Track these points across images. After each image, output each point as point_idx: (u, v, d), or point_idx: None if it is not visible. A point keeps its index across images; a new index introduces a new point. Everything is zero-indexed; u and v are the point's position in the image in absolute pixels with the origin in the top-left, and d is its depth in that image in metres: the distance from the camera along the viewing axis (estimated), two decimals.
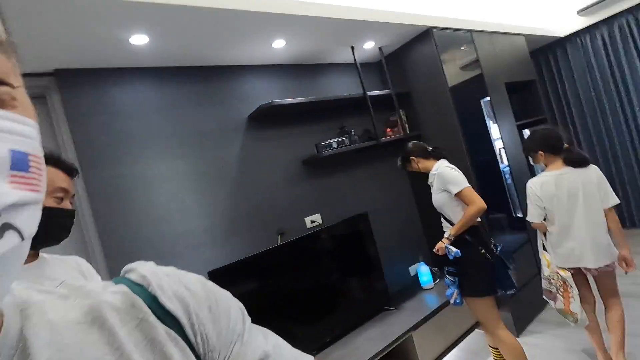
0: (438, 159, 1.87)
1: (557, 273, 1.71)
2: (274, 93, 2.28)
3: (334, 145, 2.23)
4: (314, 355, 0.42)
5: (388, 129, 2.68)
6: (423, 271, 2.47)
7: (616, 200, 1.70)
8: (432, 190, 1.87)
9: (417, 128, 2.69)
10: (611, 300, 1.78)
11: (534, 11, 3.51)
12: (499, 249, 1.75)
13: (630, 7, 3.31)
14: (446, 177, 1.77)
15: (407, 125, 2.67)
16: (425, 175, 1.93)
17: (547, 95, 3.99)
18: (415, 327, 2.01)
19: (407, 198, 2.82)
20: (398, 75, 2.70)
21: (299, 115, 2.34)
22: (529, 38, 3.34)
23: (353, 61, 2.46)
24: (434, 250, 1.80)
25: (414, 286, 2.55)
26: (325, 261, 2.14)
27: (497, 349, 1.87)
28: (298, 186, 2.25)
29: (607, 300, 1.79)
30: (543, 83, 3.98)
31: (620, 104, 3.52)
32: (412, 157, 1.90)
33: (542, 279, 1.83)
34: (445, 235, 1.76)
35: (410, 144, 1.94)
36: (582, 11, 3.46)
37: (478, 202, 1.68)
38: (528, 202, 1.82)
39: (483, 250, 1.71)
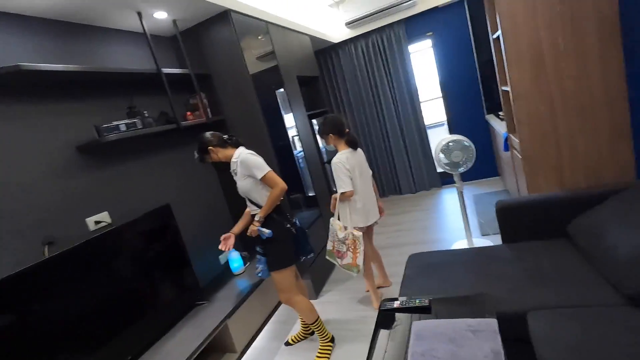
0: (236, 146, 1.96)
1: (352, 233, 2.08)
2: (27, 54, 1.67)
3: (122, 128, 1.86)
4: None
5: (189, 113, 2.47)
6: (234, 257, 2.46)
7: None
8: (235, 178, 1.93)
9: (219, 112, 2.61)
10: (373, 244, 2.47)
11: (316, 17, 4.02)
12: (297, 222, 2.02)
13: (378, 28, 4.31)
14: (250, 163, 1.85)
15: (209, 110, 2.54)
16: (227, 164, 1.97)
17: (326, 90, 4.71)
18: (229, 315, 1.99)
19: (213, 186, 2.72)
20: (197, 54, 2.51)
21: (70, 88, 1.81)
22: (313, 39, 3.81)
23: (142, 30, 2.10)
24: (247, 234, 1.90)
25: (225, 275, 2.51)
26: (119, 267, 1.78)
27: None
28: (72, 179, 1.76)
29: (372, 245, 2.46)
30: (324, 79, 4.68)
31: (375, 100, 4.58)
32: (210, 148, 1.89)
33: (331, 242, 2.22)
34: (256, 218, 1.86)
35: (206, 135, 1.93)
36: (349, 24, 4.23)
37: (280, 184, 1.85)
38: (338, 176, 2.13)
39: (288, 225, 1.93)
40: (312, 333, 2.27)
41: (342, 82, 4.65)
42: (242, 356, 2.04)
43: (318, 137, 2.45)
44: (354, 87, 4.62)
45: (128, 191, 2.03)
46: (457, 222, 3.45)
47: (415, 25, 4.30)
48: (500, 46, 2.24)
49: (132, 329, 1.75)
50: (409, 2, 3.97)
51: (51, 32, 1.81)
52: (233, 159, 1.91)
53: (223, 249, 1.99)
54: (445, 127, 4.75)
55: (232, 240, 2.01)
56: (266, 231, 1.86)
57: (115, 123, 1.83)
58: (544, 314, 1.34)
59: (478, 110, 4.29)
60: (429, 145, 4.56)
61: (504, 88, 2.56)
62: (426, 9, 4.13)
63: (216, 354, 2.04)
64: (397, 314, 1.52)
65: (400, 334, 1.63)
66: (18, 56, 1.64)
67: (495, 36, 2.48)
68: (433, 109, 4.80)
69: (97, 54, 2.02)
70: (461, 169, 2.51)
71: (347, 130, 2.22)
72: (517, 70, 2.16)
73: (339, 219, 2.19)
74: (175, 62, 2.56)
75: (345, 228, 2.14)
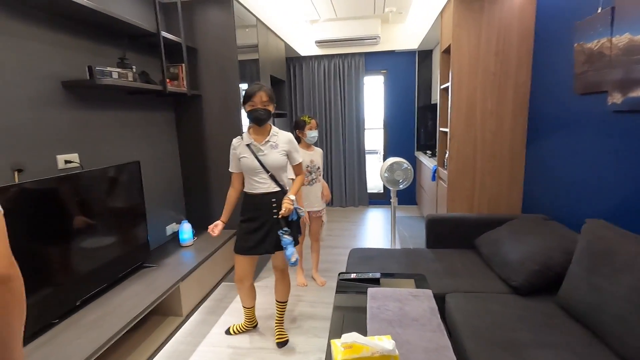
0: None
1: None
2: None
3: (115, 75, 1.86)
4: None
5: (168, 80, 2.49)
6: (185, 229, 2.49)
7: None
8: (266, 151, 1.87)
9: (196, 87, 2.67)
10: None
11: (292, 27, 4.31)
12: None
13: (342, 54, 4.79)
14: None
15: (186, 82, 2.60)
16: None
17: (289, 95, 4.97)
18: (183, 278, 2.04)
19: (173, 156, 2.73)
20: (189, 27, 2.58)
21: (67, 20, 1.76)
22: (287, 46, 4.08)
23: None
24: (282, 214, 1.82)
25: (171, 245, 2.51)
26: (81, 210, 1.74)
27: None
28: (51, 114, 1.69)
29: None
30: (289, 85, 4.95)
31: (326, 116, 4.98)
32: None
33: None
34: (291, 197, 1.85)
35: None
36: (318, 42, 4.62)
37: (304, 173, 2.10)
38: None
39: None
40: (255, 326, 2.26)
41: (301, 92, 4.98)
42: (186, 321, 2.09)
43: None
44: (310, 99, 4.97)
45: (101, 139, 1.99)
46: (380, 235, 3.95)
47: (374, 61, 4.90)
48: (448, 95, 2.82)
49: (82, 274, 1.71)
50: (372, 40, 4.54)
51: None
52: (273, 132, 1.92)
53: (214, 234, 1.95)
54: (377, 155, 5.39)
55: (220, 227, 1.98)
56: (301, 209, 1.92)
57: (109, 69, 1.83)
58: (457, 296, 1.78)
59: (410, 145, 5.00)
60: (365, 167, 5.10)
61: (442, 129, 3.16)
62: (385, 50, 4.76)
63: (160, 316, 2.05)
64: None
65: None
66: None
67: (444, 86, 3.09)
68: (371, 137, 5.41)
69: None
70: (401, 186, 2.99)
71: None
72: (456, 116, 2.75)
73: None
74: (164, 28, 2.57)
75: None
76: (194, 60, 2.63)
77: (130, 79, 1.97)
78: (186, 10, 2.54)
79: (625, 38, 1.60)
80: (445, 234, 2.45)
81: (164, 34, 2.21)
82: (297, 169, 2.02)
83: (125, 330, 1.57)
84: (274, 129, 1.94)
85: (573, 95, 2.04)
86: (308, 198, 2.66)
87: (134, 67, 2.06)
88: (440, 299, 1.76)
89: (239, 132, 2.69)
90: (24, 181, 1.46)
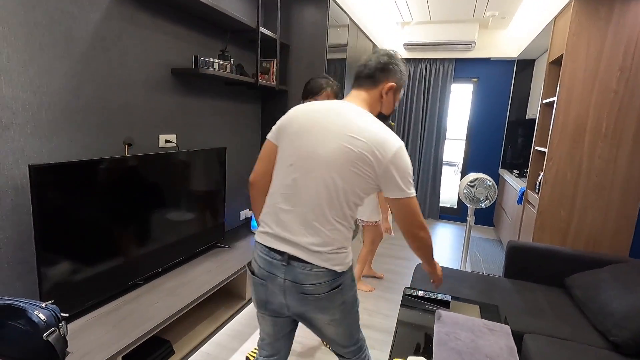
0: None
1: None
2: None
3: (216, 66, 2.00)
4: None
5: (260, 74, 2.62)
6: None
7: None
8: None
9: (285, 83, 2.77)
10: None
11: (381, 28, 4.25)
12: None
13: (431, 58, 4.58)
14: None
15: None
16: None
17: None
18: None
19: (255, 147, 2.86)
20: (284, 24, 2.67)
21: (179, 11, 1.94)
22: (374, 48, 4.02)
23: None
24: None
25: (244, 230, 2.65)
26: (172, 186, 1.91)
27: None
28: (160, 97, 1.88)
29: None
30: None
31: (405, 123, 4.82)
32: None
33: None
34: None
35: None
36: (407, 45, 4.48)
37: None
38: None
39: None
40: None
41: None
42: (247, 305, 2.18)
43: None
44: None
45: (196, 123, 2.16)
46: (449, 253, 3.70)
47: (464, 67, 4.59)
48: (552, 111, 2.52)
49: (167, 244, 1.88)
50: (466, 45, 4.26)
51: None
52: None
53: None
54: (455, 167, 5.05)
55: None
56: None
57: (211, 59, 1.97)
58: (539, 338, 1.57)
59: (494, 162, 4.60)
60: (440, 178, 4.83)
61: (539, 148, 2.84)
62: (479, 56, 4.43)
63: (226, 296, 2.17)
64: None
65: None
66: None
67: (547, 101, 2.76)
68: (450, 148, 5.09)
69: None
70: (481, 205, 2.76)
71: None
72: (558, 136, 2.43)
73: None
74: (262, 24, 2.71)
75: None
76: (285, 56, 2.72)
77: (228, 70, 2.10)
78: (283, 7, 2.63)
79: None
80: (528, 265, 2.18)
81: (262, 30, 2.32)
82: None
83: (196, 303, 1.68)
84: None
85: None
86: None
87: (232, 59, 2.20)
88: (517, 338, 1.57)
89: None
90: (132, 154, 1.65)
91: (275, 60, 2.58)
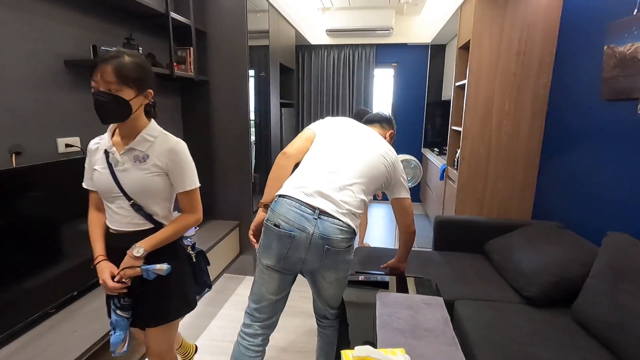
0: (152, 117, 1.27)
1: None
2: None
3: None
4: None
5: (175, 64, 2.39)
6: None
7: None
8: (129, 164, 1.16)
9: (203, 72, 2.57)
10: None
11: (303, 14, 4.18)
12: (193, 242, 1.38)
13: (353, 44, 4.66)
14: (183, 159, 1.24)
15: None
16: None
17: (297, 84, 4.86)
18: None
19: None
20: (199, 9, 2.46)
21: None
22: (297, 34, 3.95)
23: None
24: (120, 279, 1.13)
25: None
26: (78, 200, 1.66)
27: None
28: (54, 95, 1.61)
29: None
30: (297, 74, 4.83)
31: (333, 107, 4.88)
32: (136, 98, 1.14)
33: None
34: (138, 253, 1.12)
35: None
36: (329, 31, 4.49)
37: (200, 212, 1.29)
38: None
39: (189, 250, 1.33)
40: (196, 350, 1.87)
41: (309, 81, 4.87)
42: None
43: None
44: (318, 89, 4.86)
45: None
46: (382, 232, 3.90)
47: (384, 53, 4.77)
48: (463, 93, 2.73)
49: (80, 261, 1.65)
50: (385, 31, 4.41)
51: None
52: (147, 134, 1.16)
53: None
54: None
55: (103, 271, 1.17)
56: (164, 267, 1.14)
57: (114, 49, 1.73)
58: (467, 303, 1.72)
59: (417, 142, 4.91)
60: None
61: (455, 128, 3.08)
62: (397, 42, 4.63)
63: None
64: None
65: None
66: None
67: (459, 84, 2.99)
68: None
69: None
70: (409, 185, 2.91)
71: None
72: (471, 116, 2.66)
73: None
74: (173, 9, 2.46)
75: None
76: (202, 44, 2.53)
77: None
78: None
79: None
80: (454, 236, 2.38)
81: (173, 15, 2.10)
82: (184, 201, 1.22)
83: None
84: (151, 129, 1.18)
85: (599, 101, 1.96)
86: None
87: (140, 48, 1.97)
88: (449, 306, 1.71)
89: (246, 121, 2.61)
90: (22, 165, 1.39)
91: (191, 48, 2.37)
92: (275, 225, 1.23)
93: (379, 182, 1.40)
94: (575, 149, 2.19)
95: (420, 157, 4.81)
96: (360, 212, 1.32)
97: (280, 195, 1.28)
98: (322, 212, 1.22)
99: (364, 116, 1.75)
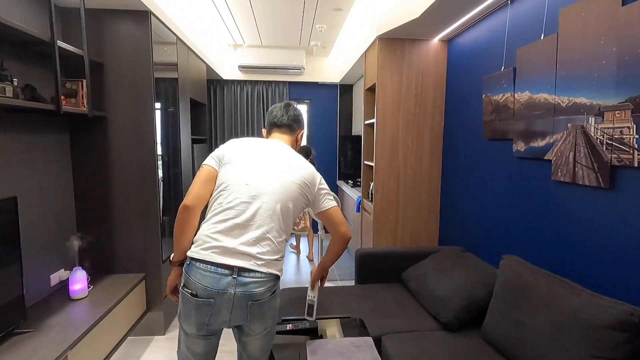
0: None
1: None
2: None
3: None
4: None
5: (63, 97, 2.08)
6: (78, 277, 2.03)
7: None
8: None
9: (100, 107, 2.28)
10: None
11: (214, 49, 4.11)
12: None
13: (267, 81, 4.72)
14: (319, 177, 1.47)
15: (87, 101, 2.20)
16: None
17: (210, 119, 4.67)
18: (73, 345, 1.62)
19: (65, 189, 2.25)
20: (94, 38, 2.21)
21: None
22: (208, 68, 3.85)
23: None
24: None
25: (58, 299, 2.02)
26: None
27: None
28: None
29: None
30: (209, 108, 4.65)
31: (255, 134, 4.79)
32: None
33: None
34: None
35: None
36: (242, 67, 4.48)
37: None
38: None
39: None
40: None
41: (222, 115, 4.73)
42: None
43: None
44: (231, 122, 4.76)
45: None
46: (299, 267, 3.85)
47: (297, 90, 4.94)
48: (372, 131, 2.93)
49: None
50: (297, 70, 4.59)
51: None
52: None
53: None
54: None
55: None
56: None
57: None
58: (393, 337, 1.75)
59: (332, 174, 5.10)
60: None
61: (367, 162, 3.26)
62: (308, 80, 4.85)
63: None
64: None
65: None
66: None
67: (368, 122, 3.21)
68: None
69: None
70: None
71: None
72: (381, 152, 2.86)
73: None
74: (61, 37, 2.17)
75: None
76: (98, 76, 2.26)
77: (10, 94, 1.56)
78: (92, 19, 2.18)
79: (525, 95, 1.84)
80: (374, 268, 2.46)
81: (61, 43, 1.84)
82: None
83: None
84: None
85: (482, 140, 2.28)
86: None
87: (15, 79, 1.66)
88: (377, 341, 1.71)
89: (153, 159, 2.37)
90: None
91: (84, 80, 2.09)
92: (192, 295, 1.15)
93: (299, 207, 1.30)
94: (467, 180, 2.50)
95: (337, 189, 4.98)
96: (282, 252, 1.26)
97: (192, 259, 1.19)
98: (241, 269, 1.15)
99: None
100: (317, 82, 4.91)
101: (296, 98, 4.94)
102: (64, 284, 2.13)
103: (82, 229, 2.32)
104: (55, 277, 2.13)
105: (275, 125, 1.43)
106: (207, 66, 3.76)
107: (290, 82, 4.82)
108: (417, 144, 2.87)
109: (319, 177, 1.36)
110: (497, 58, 2.10)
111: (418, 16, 2.29)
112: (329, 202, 1.36)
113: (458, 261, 2.17)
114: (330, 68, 4.83)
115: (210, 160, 1.29)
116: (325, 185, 1.37)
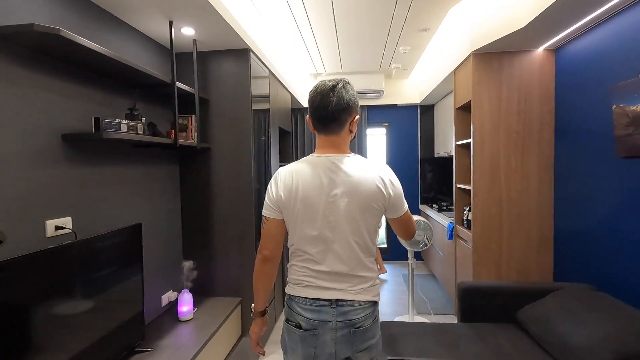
0: None
1: None
2: (39, 16, 1.43)
3: (124, 127, 1.64)
4: None
5: (172, 131, 2.29)
6: (185, 300, 2.15)
7: None
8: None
9: (206, 140, 2.48)
10: None
11: (296, 78, 4.30)
12: None
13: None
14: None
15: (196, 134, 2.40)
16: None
17: (295, 146, 4.84)
18: None
19: (175, 215, 2.44)
20: (202, 77, 2.44)
21: (74, 68, 1.57)
22: (292, 97, 4.01)
23: (157, 38, 2.00)
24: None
25: (168, 318, 2.15)
26: (69, 287, 1.42)
27: None
28: (45, 171, 1.44)
29: None
30: (294, 136, 4.83)
31: None
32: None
33: None
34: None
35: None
36: None
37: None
38: None
39: None
40: None
41: (302, 143, 4.87)
42: None
43: None
44: (311, 150, 4.85)
45: (98, 199, 1.72)
46: (390, 296, 3.64)
47: (376, 113, 4.89)
48: (467, 151, 2.72)
49: None
50: (375, 94, 4.56)
51: (68, 2, 1.61)
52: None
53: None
54: None
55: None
56: None
57: (118, 121, 1.62)
58: None
59: (414, 198, 4.86)
60: None
61: (461, 186, 3.02)
62: (387, 103, 4.78)
63: None
64: None
65: None
66: (29, 15, 1.40)
67: (460, 142, 3.00)
68: None
69: (111, 44, 1.83)
70: (421, 246, 2.77)
71: None
72: (479, 174, 2.62)
73: None
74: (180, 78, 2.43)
75: None
76: (204, 111, 2.46)
77: (140, 131, 1.75)
78: (200, 60, 2.41)
79: None
80: (479, 304, 2.19)
81: (179, 84, 2.05)
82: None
83: None
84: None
85: (614, 158, 1.95)
86: None
87: (143, 118, 1.87)
88: None
89: (249, 187, 2.47)
90: (3, 259, 1.16)
91: (193, 116, 2.30)
92: (296, 326, 1.17)
93: (373, 227, 1.17)
94: (595, 205, 2.13)
95: (420, 214, 4.72)
96: (373, 271, 1.20)
97: (291, 296, 1.21)
98: (339, 301, 1.15)
99: None
100: (395, 105, 4.82)
101: (374, 122, 4.90)
102: (173, 305, 2.27)
103: (187, 252, 2.49)
104: (165, 298, 2.28)
105: (319, 122, 1.16)
106: (292, 96, 3.93)
107: (368, 106, 4.80)
108: (522, 164, 2.58)
109: (388, 175, 1.17)
110: (631, 63, 1.79)
111: (523, 26, 2.10)
112: (405, 205, 1.24)
113: (591, 302, 1.82)
114: (410, 89, 4.72)
115: (267, 212, 1.18)
116: (392, 189, 1.16)
